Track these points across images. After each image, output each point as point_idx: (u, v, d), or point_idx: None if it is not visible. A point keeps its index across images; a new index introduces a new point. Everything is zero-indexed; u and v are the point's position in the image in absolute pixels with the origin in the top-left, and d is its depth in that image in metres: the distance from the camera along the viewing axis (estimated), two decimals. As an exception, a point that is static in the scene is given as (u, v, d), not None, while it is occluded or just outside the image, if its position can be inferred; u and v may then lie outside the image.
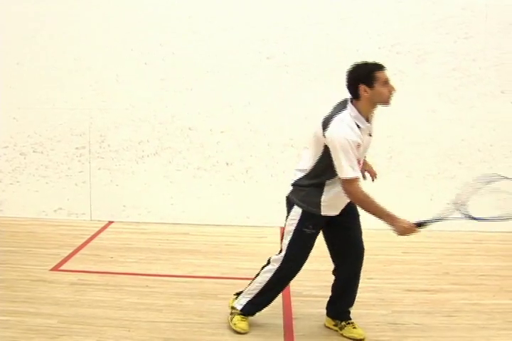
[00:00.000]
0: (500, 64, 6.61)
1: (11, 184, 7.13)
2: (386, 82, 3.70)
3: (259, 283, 4.12)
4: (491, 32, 6.56)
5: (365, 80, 3.69)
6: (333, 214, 3.97)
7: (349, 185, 3.72)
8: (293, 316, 4.43)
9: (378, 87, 3.68)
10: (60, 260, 5.62)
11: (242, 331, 4.12)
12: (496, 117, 6.70)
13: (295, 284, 4.95)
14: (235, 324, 4.16)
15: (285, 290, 4.86)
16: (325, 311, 4.37)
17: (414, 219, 6.85)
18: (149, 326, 4.19)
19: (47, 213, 7.14)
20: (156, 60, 6.81)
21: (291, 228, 3.98)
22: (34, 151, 7.05)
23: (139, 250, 6.03)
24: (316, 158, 3.86)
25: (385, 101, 3.77)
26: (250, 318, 4.26)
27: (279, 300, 4.67)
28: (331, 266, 5.63)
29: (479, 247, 6.34)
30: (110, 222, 7.03)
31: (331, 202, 3.91)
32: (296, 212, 3.95)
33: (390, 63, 6.59)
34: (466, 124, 6.73)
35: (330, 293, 4.52)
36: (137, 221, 7.06)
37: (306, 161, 3.93)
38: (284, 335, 4.12)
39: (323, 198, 3.88)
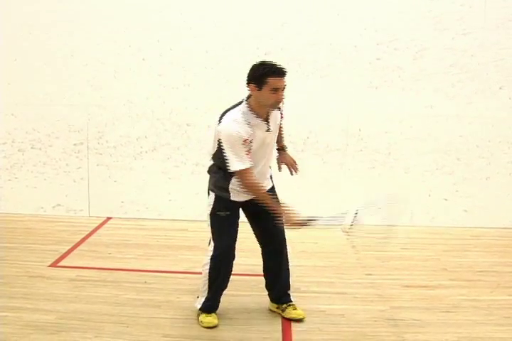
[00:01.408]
0: (499, 60, 6.60)
1: (9, 180, 7.13)
2: (276, 90, 3.76)
3: (204, 277, 4.21)
4: (490, 28, 6.55)
5: (255, 81, 3.80)
6: (241, 199, 4.12)
7: (239, 176, 3.92)
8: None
9: (265, 92, 3.77)
10: (58, 256, 5.62)
11: (212, 325, 4.16)
12: (494, 113, 6.70)
13: (293, 280, 4.96)
14: (201, 321, 4.19)
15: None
16: (323, 306, 4.44)
17: (414, 214, 6.87)
18: (147, 322, 4.19)
19: (45, 209, 7.14)
20: (153, 56, 6.80)
21: (207, 213, 4.18)
22: (32, 147, 7.05)
23: (137, 246, 6.03)
24: (215, 149, 4.10)
25: (270, 107, 3.89)
26: (249, 315, 4.30)
27: (277, 296, 4.70)
28: (329, 262, 5.68)
29: (477, 243, 6.35)
30: (108, 218, 7.03)
31: (236, 189, 4.07)
32: (211, 197, 4.17)
33: (388, 59, 6.67)
34: (464, 120, 6.74)
35: (327, 289, 4.54)
36: (135, 217, 7.06)
37: (211, 150, 4.19)
38: (283, 331, 4.12)
39: (230, 184, 4.06)
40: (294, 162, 4.47)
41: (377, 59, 6.66)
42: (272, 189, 4.30)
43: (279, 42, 6.65)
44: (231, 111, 3.96)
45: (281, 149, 4.47)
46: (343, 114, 6.75)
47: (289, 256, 4.40)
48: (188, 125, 6.87)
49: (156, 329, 4.08)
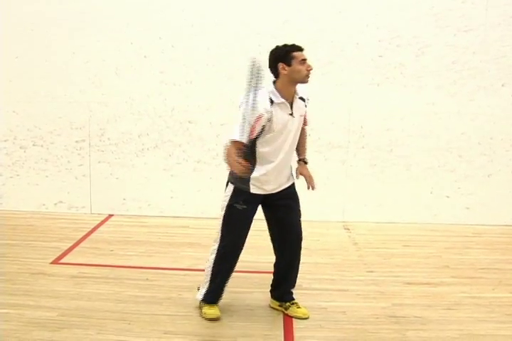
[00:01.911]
0: (501, 57, 6.60)
1: (11, 177, 7.13)
2: (303, 61, 3.96)
3: (208, 267, 4.25)
4: (492, 25, 6.54)
5: (283, 59, 3.96)
6: (261, 192, 4.13)
7: (230, 144, 3.89)
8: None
9: (296, 65, 3.94)
10: (60, 253, 5.63)
11: (215, 317, 4.19)
12: (496, 110, 6.69)
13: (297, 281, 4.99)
14: (205, 313, 4.23)
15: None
16: (325, 303, 4.44)
17: (414, 213, 6.90)
18: (149, 319, 4.20)
19: (47, 206, 7.15)
20: (155, 53, 6.80)
21: (223, 204, 4.18)
22: (34, 145, 7.05)
23: (139, 243, 6.04)
24: None
25: (303, 78, 4.00)
26: (251, 312, 4.30)
27: (278, 293, 4.70)
28: (331, 259, 5.68)
29: (479, 240, 6.34)
30: (110, 215, 7.04)
31: (259, 181, 4.08)
32: (229, 188, 4.17)
33: (390, 56, 6.66)
34: (466, 117, 6.73)
35: (329, 286, 4.54)
36: (137, 214, 7.06)
37: None
38: (284, 328, 4.12)
39: (253, 176, 4.05)
40: (311, 178, 4.38)
41: (379, 56, 6.65)
42: (290, 187, 4.28)
43: (281, 40, 6.54)
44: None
45: (301, 161, 4.41)
46: (345, 111, 6.75)
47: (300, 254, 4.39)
48: (189, 122, 6.86)
49: (157, 326, 4.09)
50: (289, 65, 3.93)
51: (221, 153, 6.84)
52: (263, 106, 3.88)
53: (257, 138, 3.98)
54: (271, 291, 4.47)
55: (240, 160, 3.81)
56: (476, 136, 6.77)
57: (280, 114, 3.95)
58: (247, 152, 3.96)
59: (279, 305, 4.39)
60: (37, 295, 4.56)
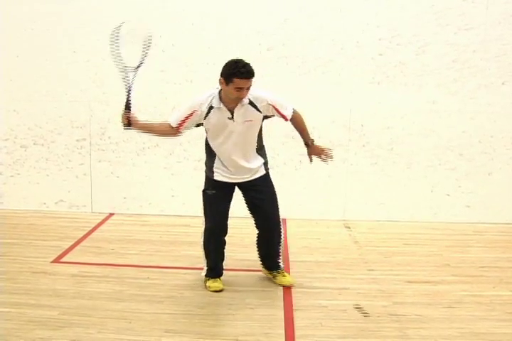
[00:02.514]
0: (502, 55, 6.59)
1: (12, 176, 7.14)
2: (240, 89, 4.23)
3: (201, 247, 4.80)
4: (492, 23, 6.54)
5: (225, 77, 4.27)
6: (225, 180, 4.61)
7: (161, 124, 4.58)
8: (294, 307, 4.42)
9: (230, 88, 4.26)
10: (61, 252, 5.63)
11: (218, 289, 4.68)
12: (496, 109, 6.69)
13: (296, 276, 4.99)
14: (209, 286, 4.72)
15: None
16: (326, 302, 4.48)
17: (415, 211, 6.90)
18: (150, 318, 4.20)
19: (48, 205, 7.16)
20: (155, 52, 6.77)
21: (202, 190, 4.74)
22: (35, 144, 7.06)
23: (139, 242, 6.04)
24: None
25: (233, 100, 4.35)
26: (251, 311, 4.31)
27: (279, 291, 4.71)
28: (332, 258, 5.69)
29: (479, 239, 6.34)
30: (111, 214, 7.04)
31: (220, 170, 4.60)
32: (204, 176, 4.74)
33: (390, 54, 6.66)
34: (466, 116, 6.73)
35: (329, 284, 4.54)
36: (138, 213, 7.07)
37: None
38: (285, 326, 4.12)
39: (214, 165, 4.62)
40: (322, 150, 4.69)
41: (380, 54, 6.65)
42: (259, 179, 4.68)
43: (281, 38, 6.65)
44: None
45: (306, 145, 4.76)
46: (345, 109, 6.75)
47: (281, 228, 4.85)
48: (190, 121, 6.86)
49: (158, 324, 4.09)
50: (226, 84, 4.26)
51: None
52: (199, 104, 4.41)
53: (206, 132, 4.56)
54: (261, 261, 4.98)
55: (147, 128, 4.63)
56: (477, 134, 6.76)
57: (217, 117, 4.40)
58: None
59: (269, 273, 4.95)
60: (38, 293, 4.57)
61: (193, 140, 6.87)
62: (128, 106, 4.51)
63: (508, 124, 6.72)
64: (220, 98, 4.41)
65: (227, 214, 4.70)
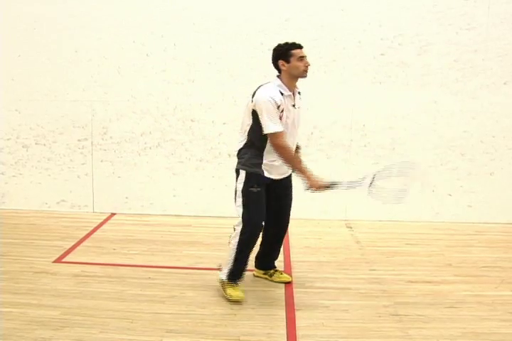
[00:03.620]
0: (503, 55, 6.59)
1: (14, 176, 7.14)
2: (301, 58, 4.34)
3: (231, 250, 4.53)
4: (494, 23, 6.54)
5: (283, 57, 4.37)
6: (274, 177, 4.52)
7: (273, 138, 4.29)
8: (295, 307, 4.42)
9: (294, 62, 4.34)
10: (62, 252, 5.63)
11: (240, 299, 4.46)
12: (498, 108, 6.68)
13: (298, 276, 4.99)
14: (230, 295, 4.48)
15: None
16: (328, 302, 4.47)
17: (417, 211, 6.90)
18: (152, 317, 4.20)
19: (49, 205, 7.16)
20: (157, 52, 6.80)
21: (239, 189, 4.48)
22: (36, 143, 7.06)
23: (141, 242, 6.04)
24: (248, 127, 4.43)
25: (301, 74, 4.39)
26: (253, 311, 4.30)
27: (281, 291, 4.71)
28: (333, 258, 5.69)
29: (481, 239, 6.34)
30: (113, 214, 7.04)
31: (269, 166, 4.45)
32: (241, 175, 4.48)
33: (392, 54, 6.66)
34: (468, 116, 6.72)
35: (331, 284, 4.53)
36: (140, 213, 7.07)
37: (242, 133, 4.50)
38: (287, 326, 4.12)
39: (264, 161, 4.43)
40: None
41: (382, 54, 6.65)
42: (290, 176, 4.70)
43: (283, 38, 6.56)
44: (264, 85, 4.42)
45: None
46: (347, 109, 6.75)
47: None
48: (192, 121, 6.87)
49: (160, 324, 4.09)
50: (287, 61, 4.34)
51: (223, 151, 6.89)
52: (278, 97, 4.28)
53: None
54: (256, 262, 4.98)
55: (293, 153, 4.42)
56: (479, 134, 6.76)
57: (288, 104, 4.37)
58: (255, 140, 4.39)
59: (264, 273, 4.97)
60: (39, 293, 4.57)
61: (195, 140, 6.88)
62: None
63: (509, 124, 6.72)
64: (285, 85, 4.39)
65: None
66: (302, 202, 6.95)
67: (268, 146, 4.37)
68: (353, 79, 6.71)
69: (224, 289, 4.56)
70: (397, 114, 6.74)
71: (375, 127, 6.77)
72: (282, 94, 4.33)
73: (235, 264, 4.53)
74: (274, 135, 4.25)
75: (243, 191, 4.46)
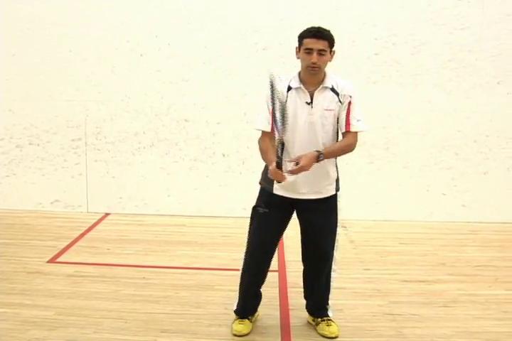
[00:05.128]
0: (497, 55, 6.60)
1: (7, 176, 7.12)
2: (308, 50, 3.62)
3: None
4: (488, 23, 6.55)
5: (299, 43, 3.72)
6: (285, 194, 3.79)
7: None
8: (289, 307, 4.43)
9: (302, 53, 3.68)
10: (56, 252, 5.62)
11: (239, 333, 3.92)
12: (492, 108, 6.70)
13: (292, 275, 4.99)
14: (232, 328, 4.00)
15: (281, 281, 4.90)
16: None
17: (411, 211, 6.89)
18: (146, 317, 4.20)
19: (43, 205, 7.14)
20: (151, 51, 6.79)
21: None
22: (30, 143, 7.04)
23: (135, 242, 6.04)
24: None
25: (303, 70, 3.73)
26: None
27: (275, 291, 4.70)
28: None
29: (475, 238, 6.35)
30: (107, 214, 7.03)
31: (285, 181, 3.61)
32: (259, 190, 3.97)
33: (386, 54, 6.66)
34: (462, 115, 6.74)
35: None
36: (134, 213, 7.05)
37: None
38: (281, 326, 4.12)
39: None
40: (299, 159, 3.60)
41: (376, 54, 6.65)
42: (324, 202, 3.91)
43: (278, 37, 6.64)
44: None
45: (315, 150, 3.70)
46: (341, 109, 6.74)
47: (333, 267, 4.04)
48: (186, 120, 6.86)
49: (154, 324, 4.09)
50: (299, 50, 3.71)
51: (217, 151, 6.90)
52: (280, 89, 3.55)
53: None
54: (306, 304, 4.20)
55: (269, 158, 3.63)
56: (472, 133, 6.77)
57: (294, 100, 3.67)
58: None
59: (313, 320, 4.11)
60: (33, 294, 4.56)
61: (189, 140, 6.88)
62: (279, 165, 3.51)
63: (503, 124, 6.73)
64: (300, 78, 3.73)
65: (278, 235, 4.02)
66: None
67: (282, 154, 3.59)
68: (346, 79, 6.70)
69: (233, 321, 4.08)
70: (391, 114, 6.75)
71: (369, 127, 6.76)
72: (290, 87, 3.67)
73: (239, 295, 4.11)
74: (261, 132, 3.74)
75: (252, 208, 3.93)
